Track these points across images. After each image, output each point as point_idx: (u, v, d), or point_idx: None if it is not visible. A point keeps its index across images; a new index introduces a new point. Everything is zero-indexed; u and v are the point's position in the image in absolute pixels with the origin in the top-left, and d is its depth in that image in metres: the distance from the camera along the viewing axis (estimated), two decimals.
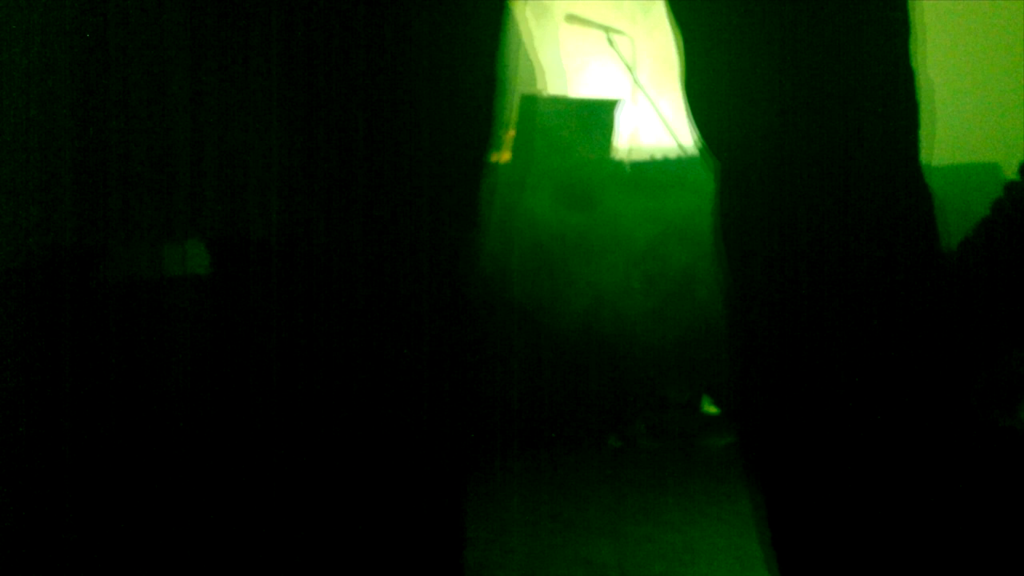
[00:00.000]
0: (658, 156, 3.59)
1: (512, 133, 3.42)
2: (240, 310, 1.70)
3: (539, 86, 4.50)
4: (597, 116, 3.57)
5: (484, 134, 1.40)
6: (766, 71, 1.18)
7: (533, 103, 3.67)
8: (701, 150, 1.29)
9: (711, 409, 3.25)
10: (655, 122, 4.14)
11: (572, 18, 4.21)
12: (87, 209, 1.59)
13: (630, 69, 4.15)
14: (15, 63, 1.56)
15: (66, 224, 1.58)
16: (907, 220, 1.18)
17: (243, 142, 1.64)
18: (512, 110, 3.47)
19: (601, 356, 3.20)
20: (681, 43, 1.26)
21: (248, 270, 1.69)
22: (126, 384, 2.11)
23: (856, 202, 1.17)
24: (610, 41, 4.10)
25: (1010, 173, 2.98)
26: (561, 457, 2.95)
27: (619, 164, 3.57)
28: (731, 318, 1.24)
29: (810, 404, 1.17)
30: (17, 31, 1.55)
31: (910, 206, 1.19)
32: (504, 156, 3.42)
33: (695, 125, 1.27)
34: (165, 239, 1.72)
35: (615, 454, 3.07)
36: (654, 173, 3.47)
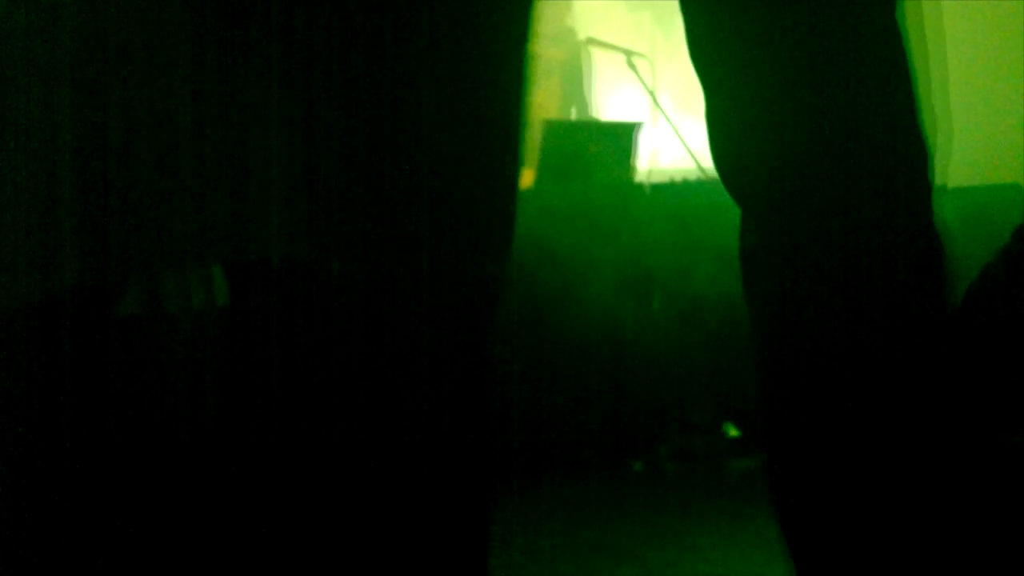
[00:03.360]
0: (678, 178, 3.60)
1: (535, 157, 3.43)
2: (261, 336, 1.71)
3: (560, 110, 4.52)
4: (618, 139, 3.58)
5: (508, 166, 1.41)
6: (787, 109, 1.19)
7: (555, 127, 3.69)
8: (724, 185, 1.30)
9: (734, 432, 3.24)
10: (675, 144, 4.16)
11: (592, 42, 4.23)
12: (90, 238, 1.59)
13: (650, 92, 4.17)
14: (16, 67, 1.57)
15: (70, 253, 1.58)
16: (918, 246, 1.19)
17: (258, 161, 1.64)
18: (535, 135, 3.48)
19: (623, 379, 3.20)
20: (704, 84, 1.26)
21: (270, 295, 1.70)
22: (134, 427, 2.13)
23: (871, 231, 1.18)
24: (631, 64, 4.12)
25: None
26: (584, 481, 2.95)
27: (639, 186, 3.58)
28: (758, 352, 1.25)
29: (835, 429, 1.18)
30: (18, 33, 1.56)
31: (921, 228, 1.20)
32: (527, 181, 3.44)
33: (716, 164, 1.28)
34: (173, 266, 1.72)
35: (638, 477, 3.07)
36: (674, 195, 3.48)
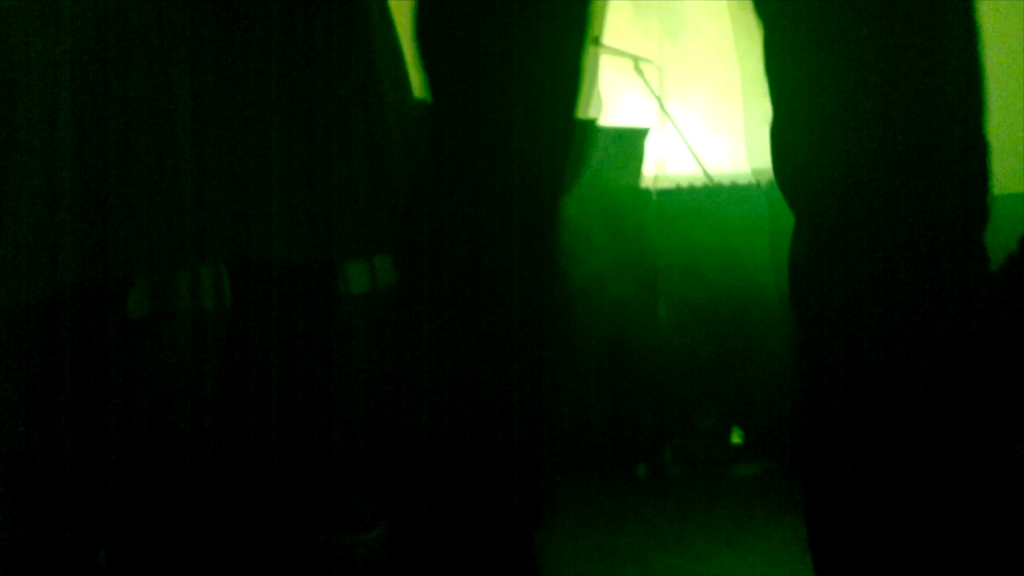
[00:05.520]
0: (684, 184, 3.60)
1: None
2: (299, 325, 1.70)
3: None
4: (626, 145, 3.58)
5: (559, 172, 1.40)
6: (857, 120, 1.19)
7: None
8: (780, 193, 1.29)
9: (739, 436, 3.24)
10: (682, 150, 4.15)
11: (599, 46, 4.23)
12: (91, 238, 1.59)
13: (658, 98, 4.16)
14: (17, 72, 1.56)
15: (70, 254, 1.58)
16: (971, 273, 1.19)
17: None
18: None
19: (627, 383, 3.20)
20: (773, 92, 1.26)
21: (270, 296, 1.70)
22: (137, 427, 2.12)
23: (928, 247, 1.18)
24: (638, 70, 4.12)
25: None
26: (588, 485, 2.94)
27: (646, 192, 3.58)
28: (799, 364, 1.25)
29: (877, 438, 1.18)
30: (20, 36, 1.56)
31: (974, 247, 1.20)
32: None
33: (778, 171, 1.28)
34: (174, 266, 1.71)
35: (642, 481, 3.07)
36: (680, 201, 3.48)
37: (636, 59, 4.14)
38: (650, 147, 3.76)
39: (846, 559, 1.20)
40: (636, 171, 3.60)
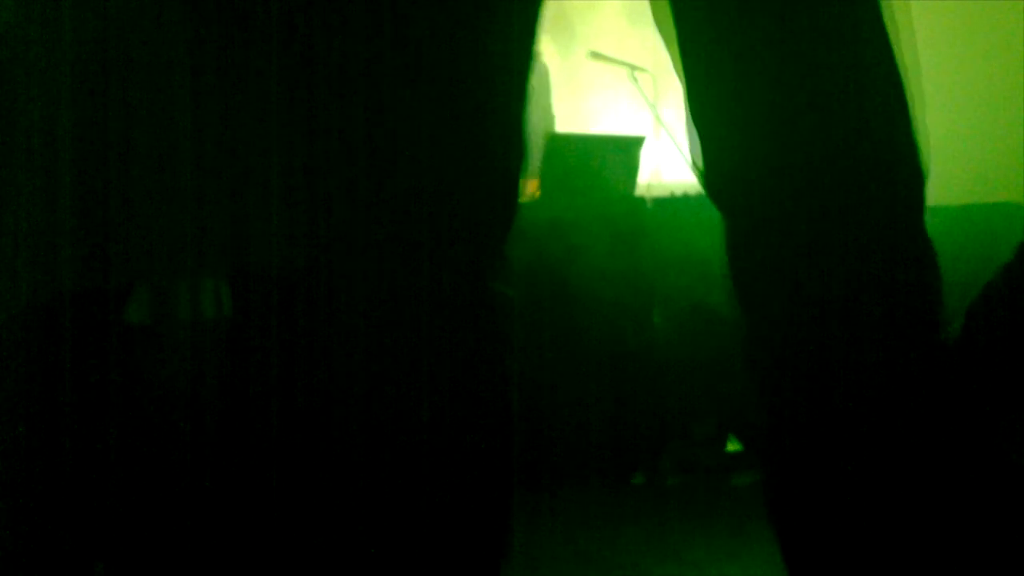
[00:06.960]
0: (679, 192, 3.61)
1: (537, 171, 3.44)
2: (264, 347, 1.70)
3: (563, 124, 4.52)
4: (622, 153, 3.59)
5: (511, 166, 1.39)
6: (781, 120, 1.19)
7: (559, 141, 3.69)
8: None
9: (735, 445, 3.24)
10: (676, 158, 4.17)
11: (595, 55, 4.24)
12: (91, 243, 1.59)
13: (652, 106, 4.18)
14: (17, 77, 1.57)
15: (69, 260, 1.58)
16: (910, 262, 1.19)
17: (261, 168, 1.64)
18: (539, 148, 3.49)
19: (624, 391, 3.20)
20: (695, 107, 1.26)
21: (270, 303, 1.70)
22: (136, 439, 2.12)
23: (864, 246, 1.18)
24: (633, 78, 4.13)
25: None
26: (585, 493, 2.94)
27: (641, 200, 3.59)
28: (747, 360, 1.25)
29: (829, 439, 1.18)
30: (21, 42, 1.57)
31: (913, 243, 1.20)
32: (531, 194, 3.45)
33: (707, 176, 1.28)
34: (174, 272, 1.72)
35: (639, 490, 3.07)
36: (675, 209, 3.49)
37: (631, 68, 4.15)
38: (645, 155, 3.77)
39: (820, 561, 1.20)
40: (632, 179, 3.60)
